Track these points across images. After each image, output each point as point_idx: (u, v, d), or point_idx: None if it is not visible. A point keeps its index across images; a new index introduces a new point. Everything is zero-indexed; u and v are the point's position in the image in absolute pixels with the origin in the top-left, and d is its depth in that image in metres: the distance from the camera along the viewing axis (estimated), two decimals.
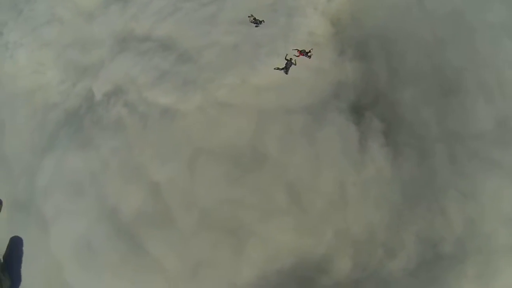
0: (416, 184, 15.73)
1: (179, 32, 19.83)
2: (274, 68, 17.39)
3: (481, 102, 15.87)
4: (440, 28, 17.12)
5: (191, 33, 19.53)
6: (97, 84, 20.31)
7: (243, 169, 16.54)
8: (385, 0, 18.24)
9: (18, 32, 23.31)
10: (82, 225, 17.08)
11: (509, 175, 14.79)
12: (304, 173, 16.32)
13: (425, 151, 15.98)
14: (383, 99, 17.12)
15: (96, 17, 22.70)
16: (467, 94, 16.07)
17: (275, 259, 15.55)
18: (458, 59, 16.55)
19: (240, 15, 18.88)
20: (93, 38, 22.28)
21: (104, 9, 22.68)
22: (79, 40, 22.49)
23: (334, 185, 16.12)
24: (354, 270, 15.32)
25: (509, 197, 14.58)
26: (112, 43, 21.46)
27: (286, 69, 17.32)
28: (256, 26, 18.65)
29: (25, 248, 17.73)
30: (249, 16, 18.65)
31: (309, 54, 17.35)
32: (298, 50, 17.34)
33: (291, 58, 17.18)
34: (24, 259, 17.61)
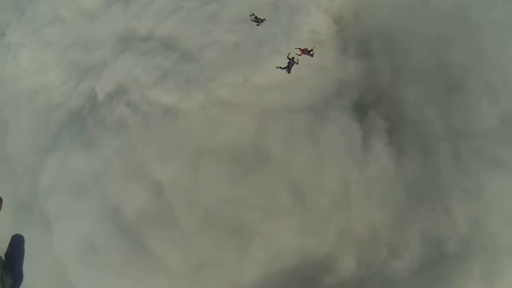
0: (420, 183, 15.75)
1: (181, 31, 19.95)
2: (276, 67, 17.46)
3: (486, 100, 15.83)
4: (444, 25, 17.09)
5: (192, 32, 19.64)
6: (100, 84, 20.48)
7: (245, 168, 16.63)
8: None
9: (21, 33, 23.46)
10: (85, 224, 17.24)
11: None
12: (307, 172, 16.38)
13: (429, 150, 16.00)
14: (386, 97, 17.16)
15: (98, 17, 22.82)
16: (471, 92, 16.05)
17: (279, 259, 15.64)
18: (463, 57, 16.51)
19: (242, 13, 18.98)
20: (96, 38, 22.39)
21: (106, 9, 22.79)
22: (82, 40, 22.62)
23: (338, 184, 16.18)
24: (358, 270, 15.39)
25: None
26: (114, 43, 21.58)
27: (288, 68, 17.39)
28: (257, 25, 18.73)
29: (28, 248, 17.75)
30: (250, 15, 18.75)
31: (311, 53, 17.40)
32: (300, 49, 17.41)
33: (293, 57, 17.26)
34: (26, 257, 17.78)
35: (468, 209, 14.89)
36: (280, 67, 17.46)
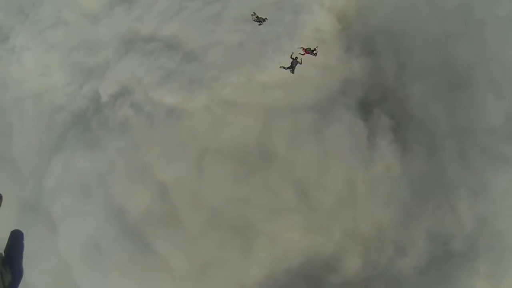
0: (425, 181, 15.98)
1: (184, 32, 20.33)
2: (280, 67, 17.77)
3: (491, 97, 16.05)
4: (449, 22, 17.33)
5: (196, 32, 20.01)
6: (104, 86, 20.90)
7: (250, 167, 16.92)
8: None
9: (24, 36, 23.94)
10: (90, 225, 17.62)
11: None
12: (312, 171, 16.66)
13: (435, 147, 16.23)
14: (391, 95, 17.43)
15: (101, 19, 23.25)
16: (477, 89, 16.26)
17: (283, 258, 15.89)
18: (468, 54, 16.71)
19: (245, 13, 19.31)
20: (99, 40, 22.84)
21: (109, 11, 23.22)
22: (85, 42, 23.06)
23: (343, 183, 16.45)
24: (364, 269, 15.62)
25: None
26: (117, 45, 22.03)
27: (291, 68, 17.67)
28: (259, 25, 19.06)
29: (34, 249, 18.23)
30: (252, 15, 19.10)
31: (314, 52, 17.69)
32: (303, 49, 17.71)
33: (296, 57, 17.54)
34: (31, 258, 18.12)
35: (474, 207, 15.09)
36: (284, 67, 17.76)
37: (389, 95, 17.47)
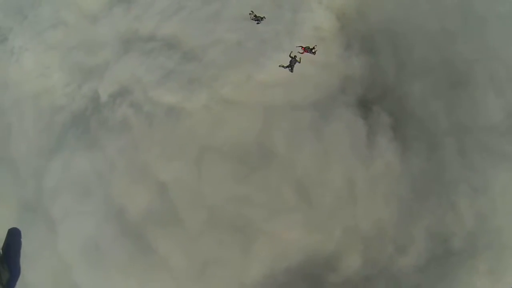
0: (425, 178, 16.23)
1: (183, 31, 20.51)
2: (279, 66, 17.98)
3: (491, 95, 16.34)
4: (449, 20, 17.58)
5: (195, 31, 20.20)
6: (103, 85, 21.09)
7: (250, 166, 17.14)
8: None
9: (24, 37, 24.15)
10: (89, 225, 17.87)
11: None
12: (312, 169, 16.87)
13: (435, 145, 16.49)
14: (391, 93, 17.66)
15: (100, 19, 23.43)
16: (476, 87, 16.54)
17: (283, 257, 16.14)
18: (467, 51, 16.98)
19: (244, 12, 19.49)
20: (98, 40, 23.01)
21: (108, 11, 23.39)
22: (84, 43, 23.24)
23: (343, 181, 16.67)
24: (364, 267, 15.85)
25: None
26: (116, 44, 22.22)
27: (290, 67, 17.87)
28: (257, 23, 19.25)
29: (33, 249, 18.57)
30: (250, 13, 19.29)
31: (313, 51, 17.88)
32: (302, 47, 17.88)
33: (295, 56, 17.72)
34: (30, 257, 18.44)
35: (474, 204, 15.35)
36: (283, 66, 17.96)
37: (388, 93, 17.69)
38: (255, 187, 16.93)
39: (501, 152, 15.60)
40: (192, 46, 19.98)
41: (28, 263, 18.60)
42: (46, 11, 24.81)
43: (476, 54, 16.91)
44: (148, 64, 20.21)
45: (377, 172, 16.62)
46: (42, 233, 18.72)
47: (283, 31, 19.04)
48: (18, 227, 19.22)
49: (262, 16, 19.23)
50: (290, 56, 17.74)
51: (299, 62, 17.76)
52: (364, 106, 17.75)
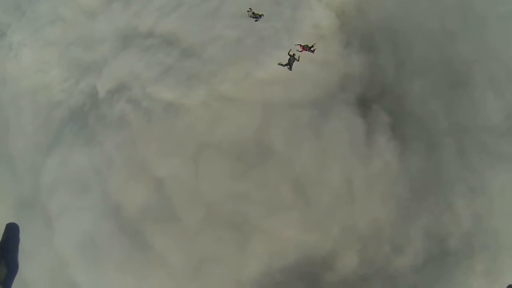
0: (423, 178, 16.25)
1: (182, 27, 20.52)
2: (278, 64, 17.98)
3: (490, 95, 16.37)
4: (449, 19, 17.61)
5: (194, 28, 20.20)
6: (101, 81, 21.17)
7: (248, 163, 17.18)
8: None
9: (22, 33, 24.37)
10: (86, 221, 17.98)
11: None
12: (310, 167, 16.89)
13: (433, 145, 16.52)
14: (390, 91, 17.66)
15: (98, 15, 23.52)
16: (476, 87, 16.58)
17: (280, 255, 16.18)
18: (467, 51, 17.02)
19: (243, 8, 19.47)
20: (96, 35, 23.13)
21: (106, 6, 23.48)
22: (82, 38, 23.37)
23: (341, 180, 16.68)
24: (360, 266, 15.88)
25: None
26: (115, 40, 22.30)
27: (289, 65, 17.87)
28: (255, 21, 19.23)
29: (30, 245, 18.69)
30: (248, 11, 19.29)
31: (312, 49, 17.85)
32: (301, 45, 17.84)
33: (294, 54, 17.71)
34: (27, 253, 18.52)
35: (472, 205, 15.41)
36: (281, 64, 17.95)
37: (388, 92, 17.68)
38: (252, 185, 16.96)
39: (499, 153, 15.65)
40: (191, 43, 19.98)
41: (25, 259, 18.68)
42: (44, 7, 24.94)
43: (476, 54, 16.94)
44: (146, 60, 20.26)
45: (375, 171, 16.62)
46: (39, 229, 18.86)
47: (282, 29, 19.01)
48: (15, 223, 19.30)
49: (260, 14, 19.19)
50: (288, 54, 17.72)
51: (298, 61, 17.73)
52: (363, 104, 17.71)
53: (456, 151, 16.22)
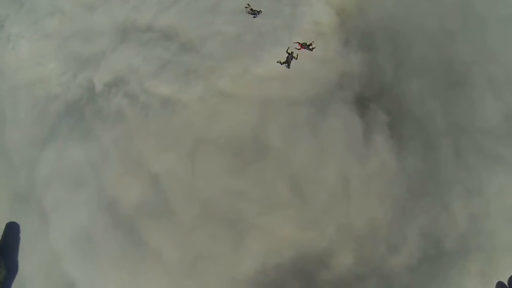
0: (420, 178, 16.26)
1: (181, 22, 20.47)
2: (276, 62, 18.00)
3: (489, 97, 16.41)
4: (448, 19, 17.63)
5: (193, 23, 20.16)
6: (98, 75, 21.05)
7: (244, 160, 17.15)
8: None
9: (20, 25, 24.12)
10: (81, 216, 17.84)
11: None
12: (306, 165, 16.89)
13: (430, 145, 16.53)
14: (388, 91, 17.66)
15: (97, 8, 23.43)
16: (474, 88, 16.60)
17: (276, 253, 16.15)
18: (467, 52, 17.04)
19: (243, 4, 19.50)
20: (95, 29, 23.00)
21: None
22: (81, 31, 23.21)
23: (337, 178, 16.68)
24: (356, 265, 15.86)
25: None
26: (113, 34, 22.21)
27: (287, 63, 17.91)
28: (254, 17, 19.25)
29: (25, 239, 18.56)
30: (246, 7, 19.31)
31: (310, 47, 17.87)
32: (299, 43, 17.87)
33: (292, 52, 17.73)
34: (21, 248, 18.39)
35: (468, 205, 15.42)
36: (280, 62, 17.97)
37: (386, 91, 17.69)
38: (249, 182, 16.93)
39: (496, 154, 15.66)
40: (190, 38, 19.93)
41: (21, 255, 18.58)
42: None
43: (475, 55, 16.95)
44: (144, 55, 20.18)
45: (372, 170, 16.62)
46: (34, 224, 18.71)
47: (281, 25, 19.00)
48: (9, 217, 19.13)
49: (258, 10, 19.19)
50: (287, 52, 17.72)
51: (296, 59, 17.73)
52: (361, 103, 17.72)
53: (453, 152, 16.22)
